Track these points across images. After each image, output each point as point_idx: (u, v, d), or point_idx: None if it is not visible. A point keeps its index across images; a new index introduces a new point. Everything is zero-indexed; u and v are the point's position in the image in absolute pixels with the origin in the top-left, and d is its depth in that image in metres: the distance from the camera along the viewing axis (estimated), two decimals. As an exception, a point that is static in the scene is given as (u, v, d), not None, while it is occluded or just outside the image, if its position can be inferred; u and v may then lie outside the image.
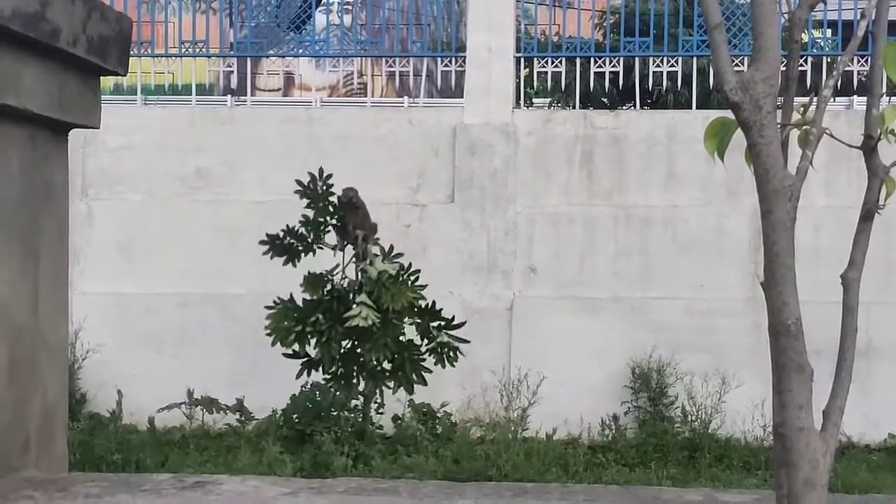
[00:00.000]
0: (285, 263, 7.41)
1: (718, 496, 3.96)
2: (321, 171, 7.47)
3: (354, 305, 7.21)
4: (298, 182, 7.45)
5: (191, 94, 10.11)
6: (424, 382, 7.39)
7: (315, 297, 7.34)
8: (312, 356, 7.41)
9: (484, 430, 8.51)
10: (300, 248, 7.45)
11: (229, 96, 10.41)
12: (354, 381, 7.49)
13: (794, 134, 2.32)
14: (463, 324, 7.45)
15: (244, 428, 8.47)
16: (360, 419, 7.84)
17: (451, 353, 7.34)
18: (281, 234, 7.45)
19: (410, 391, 7.49)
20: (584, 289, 9.09)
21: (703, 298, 8.96)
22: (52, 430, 4.17)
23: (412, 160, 9.26)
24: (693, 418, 8.54)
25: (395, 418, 8.16)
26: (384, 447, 7.70)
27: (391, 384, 7.44)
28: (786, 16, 2.42)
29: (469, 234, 9.15)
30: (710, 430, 8.45)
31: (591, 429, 8.81)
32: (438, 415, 8.15)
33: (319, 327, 7.29)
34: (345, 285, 7.42)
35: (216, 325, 9.11)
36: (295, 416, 7.81)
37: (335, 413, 7.75)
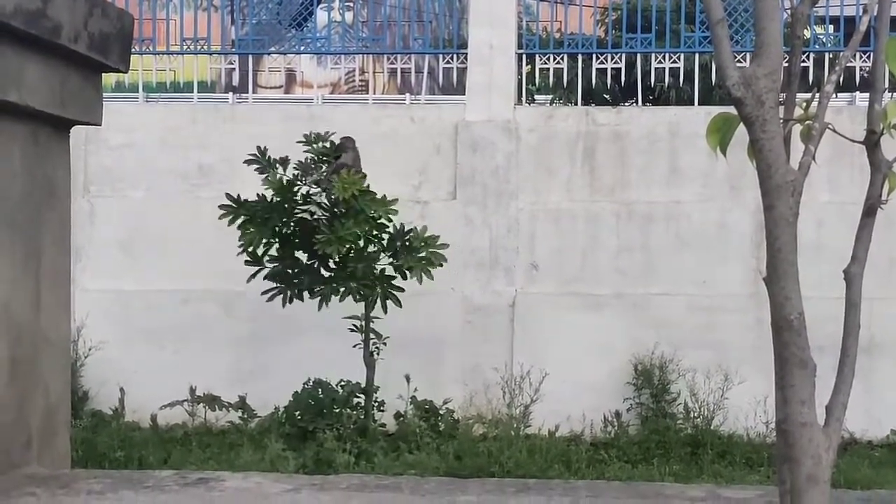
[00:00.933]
0: (257, 170, 7.72)
1: (721, 492, 3.96)
2: (327, 134, 7.80)
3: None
4: (305, 136, 7.71)
5: (192, 92, 10.11)
6: (394, 304, 7.57)
7: (273, 193, 7.63)
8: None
9: (486, 426, 8.50)
10: (285, 179, 7.69)
11: (231, 93, 10.42)
12: (296, 281, 7.62)
13: (797, 129, 2.32)
14: (445, 245, 7.67)
15: (246, 425, 8.47)
16: (362, 416, 7.84)
17: (432, 262, 7.58)
18: (270, 158, 7.73)
19: (357, 298, 7.63)
20: (587, 285, 9.09)
21: (706, 294, 8.95)
22: (54, 427, 4.18)
23: (414, 157, 9.26)
24: (695, 415, 8.54)
25: (398, 415, 8.15)
26: (386, 444, 7.71)
27: (340, 294, 7.61)
28: (788, 11, 2.42)
29: (471, 231, 9.14)
30: (712, 427, 8.45)
31: (593, 425, 8.81)
32: (441, 412, 8.14)
33: (264, 215, 7.53)
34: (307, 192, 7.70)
35: (218, 322, 9.11)
36: (297, 413, 7.81)
37: (337, 410, 7.75)
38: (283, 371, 8.16)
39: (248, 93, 10.43)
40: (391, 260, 7.68)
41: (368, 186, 7.61)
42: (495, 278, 9.12)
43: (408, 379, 8.18)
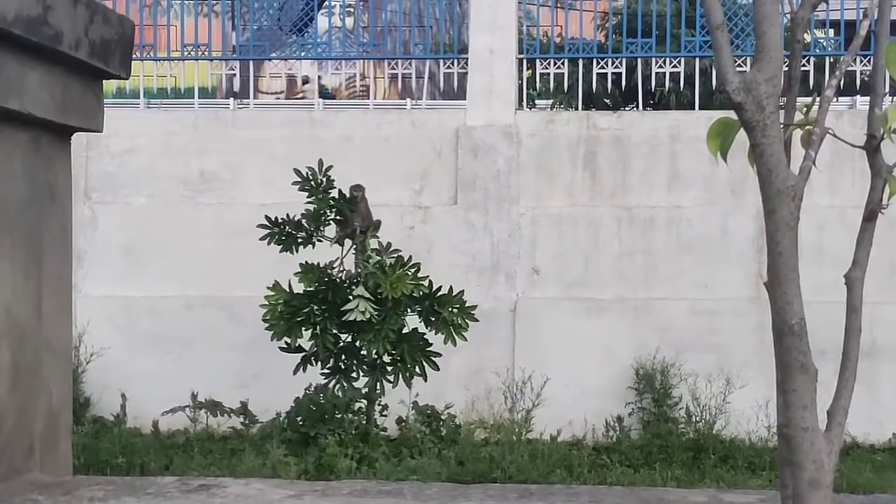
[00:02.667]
0: (282, 251, 7.63)
1: (723, 497, 3.96)
2: (321, 162, 7.62)
3: (352, 298, 7.34)
4: (297, 172, 7.59)
5: (193, 98, 10.11)
6: (431, 369, 7.56)
7: (310, 288, 7.48)
8: (308, 350, 7.60)
9: (488, 431, 8.50)
10: (299, 238, 7.55)
11: (232, 99, 10.42)
12: (354, 374, 7.56)
13: (797, 134, 2.32)
14: (473, 307, 7.64)
15: (248, 431, 8.46)
16: (364, 421, 7.83)
17: (461, 325, 7.51)
18: (281, 222, 7.59)
19: (409, 383, 7.63)
20: (588, 290, 9.09)
21: (708, 299, 8.95)
22: (56, 433, 4.18)
23: (415, 162, 9.26)
24: (697, 419, 8.53)
25: (400, 420, 8.14)
26: (388, 449, 7.69)
27: (391, 378, 7.55)
28: (788, 16, 2.42)
29: (472, 236, 9.14)
30: (714, 431, 8.43)
31: (595, 430, 8.80)
32: (442, 417, 8.13)
33: (314, 319, 7.40)
34: (342, 277, 7.53)
35: (220, 328, 9.11)
36: (299, 418, 7.80)
37: (339, 415, 7.74)
38: (286, 376, 8.15)
39: (249, 98, 10.43)
40: (422, 317, 7.67)
41: (391, 246, 7.55)
42: (496, 283, 9.12)
43: (409, 384, 8.17)
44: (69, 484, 3.99)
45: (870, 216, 2.31)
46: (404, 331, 7.62)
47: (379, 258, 7.51)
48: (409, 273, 7.47)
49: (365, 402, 7.88)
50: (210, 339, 9.11)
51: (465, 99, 9.50)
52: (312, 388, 7.86)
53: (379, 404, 7.95)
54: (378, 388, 7.67)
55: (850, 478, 7.29)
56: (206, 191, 9.38)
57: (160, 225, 9.35)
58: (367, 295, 7.38)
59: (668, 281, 9.02)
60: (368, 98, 11.12)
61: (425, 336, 7.65)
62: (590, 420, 8.79)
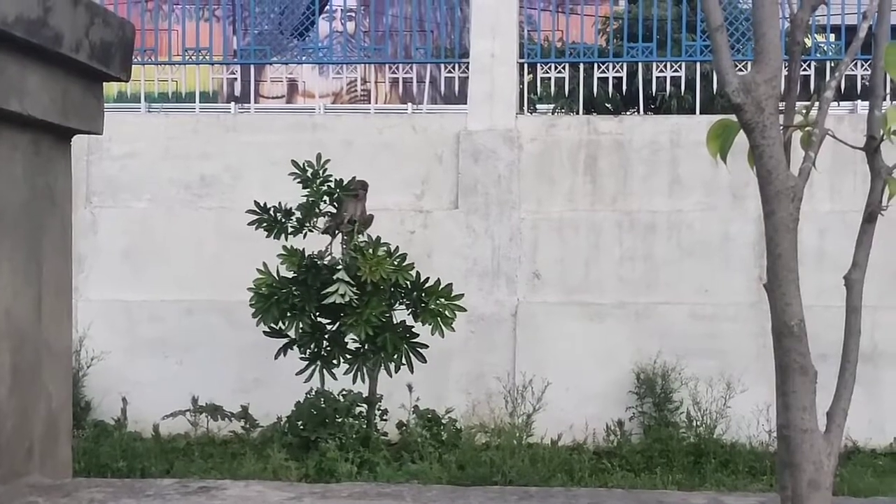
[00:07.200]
0: (268, 236, 7.66)
1: (723, 499, 3.94)
2: (318, 156, 7.58)
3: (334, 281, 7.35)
4: (294, 163, 7.57)
5: (195, 102, 10.12)
6: (418, 360, 7.51)
7: (293, 273, 7.50)
8: (292, 337, 7.60)
9: (489, 436, 8.49)
10: (290, 227, 7.58)
11: (233, 103, 10.43)
12: (334, 361, 7.52)
13: (797, 135, 2.32)
14: (459, 296, 7.57)
15: (249, 435, 8.47)
16: (364, 426, 7.83)
17: (448, 316, 7.48)
18: (270, 208, 7.61)
19: (390, 371, 7.57)
20: (589, 294, 9.09)
21: (708, 303, 8.95)
22: (56, 436, 4.17)
23: (416, 166, 9.26)
24: (698, 423, 8.52)
25: (400, 424, 8.15)
26: (389, 453, 7.70)
27: (372, 365, 7.56)
28: (787, 19, 2.42)
29: (473, 241, 9.14)
30: (715, 436, 8.43)
31: (595, 435, 8.80)
32: (443, 421, 8.13)
33: (293, 300, 7.35)
34: (326, 263, 7.55)
35: (221, 332, 9.11)
36: (300, 422, 7.80)
37: (340, 420, 7.74)
38: (286, 381, 8.16)
39: (250, 103, 10.44)
40: (410, 309, 7.64)
41: (404, 259, 7.50)
42: (497, 288, 9.12)
43: (410, 388, 8.17)
44: (68, 486, 3.98)
45: (869, 218, 2.31)
46: (389, 321, 7.59)
47: (362, 244, 7.49)
48: (392, 259, 7.44)
49: (366, 406, 7.88)
50: (211, 344, 9.11)
51: (465, 103, 9.50)
52: (313, 393, 7.86)
53: (379, 408, 7.95)
54: (363, 381, 7.60)
55: (851, 482, 7.29)
56: (207, 195, 9.39)
57: (161, 229, 9.36)
58: (348, 279, 7.36)
59: (669, 286, 9.02)
60: (369, 102, 11.12)
61: (412, 328, 7.62)
62: (591, 424, 8.79)
